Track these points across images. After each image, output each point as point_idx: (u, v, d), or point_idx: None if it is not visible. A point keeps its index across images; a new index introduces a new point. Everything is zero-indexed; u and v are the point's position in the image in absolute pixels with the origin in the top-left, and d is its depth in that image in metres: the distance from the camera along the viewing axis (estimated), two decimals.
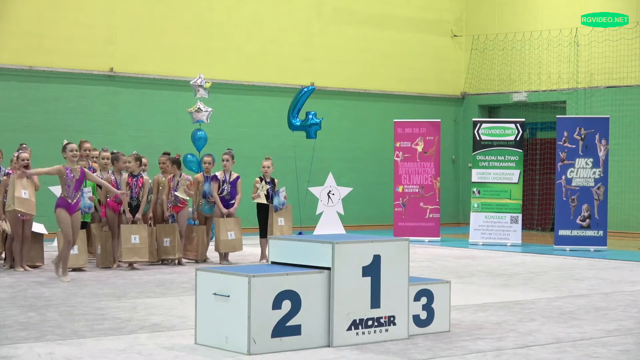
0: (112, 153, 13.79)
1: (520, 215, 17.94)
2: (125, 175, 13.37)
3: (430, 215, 18.69)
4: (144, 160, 14.02)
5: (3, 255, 13.36)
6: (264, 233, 14.13)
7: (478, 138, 18.14)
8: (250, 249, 15.35)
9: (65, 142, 11.85)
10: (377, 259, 7.50)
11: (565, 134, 17.17)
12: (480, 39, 23.55)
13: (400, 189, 18.77)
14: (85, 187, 12.94)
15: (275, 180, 14.45)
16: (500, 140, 18.04)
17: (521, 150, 18.06)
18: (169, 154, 14.32)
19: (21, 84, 18.02)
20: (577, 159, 17.10)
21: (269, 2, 21.11)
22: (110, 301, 9.82)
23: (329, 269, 7.29)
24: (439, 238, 18.61)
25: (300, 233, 16.55)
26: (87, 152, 13.97)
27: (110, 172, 13.56)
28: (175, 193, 13.62)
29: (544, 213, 22.48)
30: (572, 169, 17.11)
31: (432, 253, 16.12)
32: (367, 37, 22.41)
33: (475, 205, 18.10)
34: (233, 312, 7.07)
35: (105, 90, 18.95)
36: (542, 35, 22.29)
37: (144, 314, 8.93)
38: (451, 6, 23.89)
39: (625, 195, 20.59)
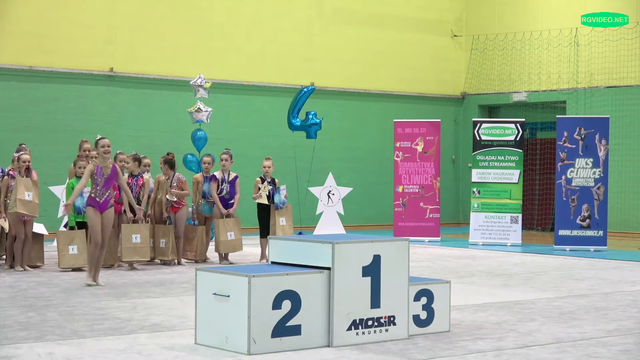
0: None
1: (520, 215, 17.94)
2: (125, 175, 13.37)
3: (430, 215, 18.69)
4: (147, 160, 14.03)
5: (4, 256, 13.37)
6: (264, 233, 14.13)
7: (478, 138, 18.14)
8: (250, 249, 15.35)
9: (99, 137, 11.24)
10: (377, 259, 7.50)
11: (565, 134, 17.18)
12: (480, 39, 23.55)
13: (400, 189, 18.78)
14: (86, 187, 12.95)
15: (276, 180, 14.46)
16: (500, 140, 18.04)
17: (521, 150, 18.06)
18: (172, 154, 14.26)
19: (21, 84, 18.02)
20: (577, 159, 17.10)
21: (269, 2, 21.11)
22: (110, 301, 9.82)
23: (329, 269, 7.29)
24: (439, 238, 18.61)
25: (300, 233, 16.54)
26: (87, 152, 13.98)
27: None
28: (166, 196, 13.63)
29: (544, 213, 22.48)
30: (572, 169, 17.11)
31: (432, 253, 16.11)
32: (367, 37, 22.41)
33: (475, 205, 18.10)
34: (233, 312, 7.07)
35: (105, 90, 18.95)
36: (542, 35, 22.29)
37: (144, 314, 8.93)
38: (451, 6, 23.89)
39: (625, 195, 20.59)
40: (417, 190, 18.71)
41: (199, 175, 14.19)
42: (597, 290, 11.12)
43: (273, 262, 7.79)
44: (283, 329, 7.07)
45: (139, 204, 13.29)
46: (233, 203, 14.03)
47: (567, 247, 16.86)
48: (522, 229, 18.31)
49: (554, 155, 17.92)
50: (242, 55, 20.63)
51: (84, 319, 8.63)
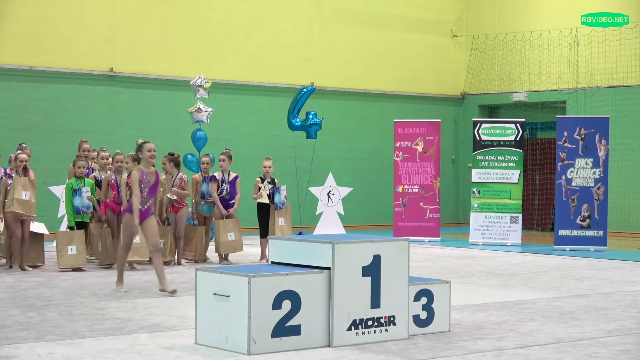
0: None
1: (520, 215, 17.93)
2: (125, 175, 13.36)
3: (430, 215, 18.69)
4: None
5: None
6: (264, 233, 14.13)
7: (478, 138, 18.14)
8: (250, 249, 15.35)
9: (141, 140, 10.52)
10: (377, 259, 7.50)
11: (565, 134, 17.17)
12: (480, 39, 23.55)
13: (400, 189, 18.78)
14: (84, 186, 12.95)
15: (276, 180, 14.46)
16: (500, 140, 18.04)
17: (521, 150, 18.06)
18: (173, 154, 14.28)
19: (21, 84, 18.02)
20: (577, 159, 17.10)
21: (269, 2, 21.11)
22: (110, 301, 9.82)
23: (329, 269, 7.29)
24: (439, 238, 18.61)
25: (300, 233, 16.54)
26: (86, 152, 13.98)
27: (110, 172, 13.55)
28: (167, 195, 13.63)
29: (544, 213, 22.48)
30: (572, 169, 17.11)
31: (432, 253, 16.11)
32: (367, 37, 22.40)
33: (475, 205, 18.10)
34: (233, 312, 7.07)
35: (105, 90, 18.95)
36: (542, 35, 22.29)
37: (144, 314, 8.93)
38: (451, 6, 23.88)
39: (625, 195, 20.59)
40: (417, 190, 18.71)
41: (197, 176, 14.18)
42: (597, 290, 11.12)
43: (273, 262, 7.79)
44: (283, 329, 7.07)
45: None
46: (233, 203, 14.03)
47: (567, 247, 16.86)
48: (522, 229, 18.31)
49: (554, 155, 17.92)
50: (242, 55, 20.62)
51: (84, 319, 8.63)
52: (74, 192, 12.89)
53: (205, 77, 15.66)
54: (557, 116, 17.96)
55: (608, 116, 17.85)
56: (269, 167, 14.34)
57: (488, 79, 23.50)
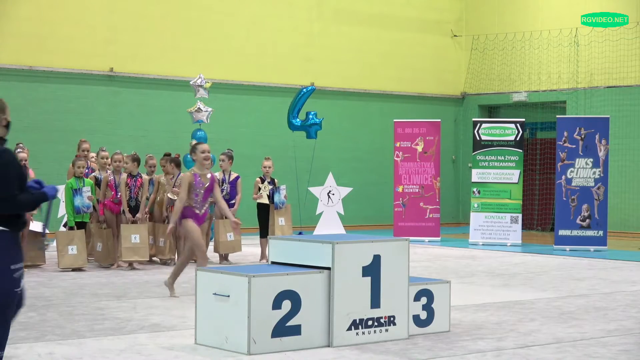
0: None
1: (520, 215, 17.94)
2: (124, 175, 13.36)
3: (430, 215, 18.69)
4: (153, 161, 14.07)
5: None
6: (264, 233, 14.13)
7: (478, 138, 18.14)
8: (250, 249, 15.35)
9: (194, 142, 9.97)
10: (377, 259, 7.50)
11: (565, 134, 17.17)
12: (480, 39, 23.55)
13: (400, 189, 18.77)
14: (84, 186, 12.95)
15: (276, 180, 14.46)
16: (500, 140, 18.04)
17: (521, 150, 18.06)
18: (169, 154, 14.31)
19: (21, 84, 18.01)
20: (577, 159, 17.10)
21: (269, 2, 21.11)
22: (110, 301, 9.82)
23: (329, 269, 7.29)
24: (439, 238, 18.61)
25: (300, 233, 16.54)
26: (86, 152, 13.98)
27: (109, 172, 13.55)
28: (168, 194, 13.63)
29: (544, 213, 22.48)
30: (572, 169, 17.10)
31: (432, 253, 16.11)
32: (367, 37, 22.40)
33: (475, 205, 18.09)
34: (233, 312, 7.07)
35: (105, 90, 18.94)
36: (542, 35, 22.29)
37: (144, 314, 8.93)
38: (451, 6, 23.88)
39: (625, 195, 20.59)
40: (417, 190, 18.71)
41: None
42: (597, 290, 11.12)
43: (273, 262, 7.79)
44: (283, 329, 7.07)
45: (137, 204, 13.29)
46: (234, 203, 14.02)
47: (567, 247, 16.85)
48: (522, 229, 18.32)
49: (554, 155, 17.92)
50: (242, 55, 20.62)
51: (84, 319, 8.63)
52: (73, 192, 12.89)
53: (205, 77, 15.66)
54: (557, 116, 17.96)
55: (608, 116, 17.85)
56: (269, 167, 14.34)
57: (488, 79, 23.50)
